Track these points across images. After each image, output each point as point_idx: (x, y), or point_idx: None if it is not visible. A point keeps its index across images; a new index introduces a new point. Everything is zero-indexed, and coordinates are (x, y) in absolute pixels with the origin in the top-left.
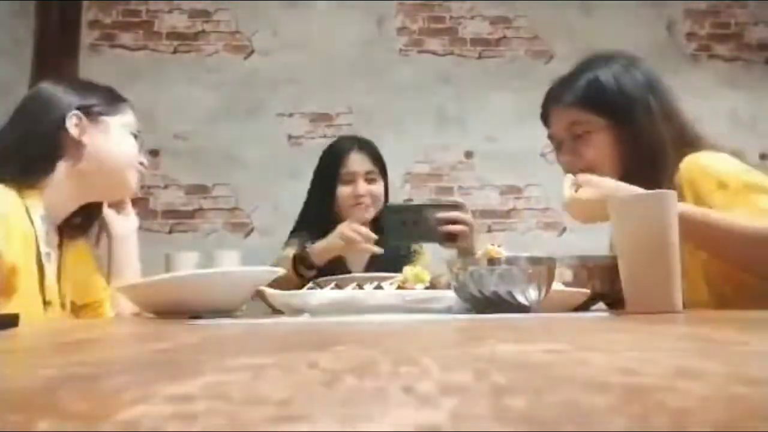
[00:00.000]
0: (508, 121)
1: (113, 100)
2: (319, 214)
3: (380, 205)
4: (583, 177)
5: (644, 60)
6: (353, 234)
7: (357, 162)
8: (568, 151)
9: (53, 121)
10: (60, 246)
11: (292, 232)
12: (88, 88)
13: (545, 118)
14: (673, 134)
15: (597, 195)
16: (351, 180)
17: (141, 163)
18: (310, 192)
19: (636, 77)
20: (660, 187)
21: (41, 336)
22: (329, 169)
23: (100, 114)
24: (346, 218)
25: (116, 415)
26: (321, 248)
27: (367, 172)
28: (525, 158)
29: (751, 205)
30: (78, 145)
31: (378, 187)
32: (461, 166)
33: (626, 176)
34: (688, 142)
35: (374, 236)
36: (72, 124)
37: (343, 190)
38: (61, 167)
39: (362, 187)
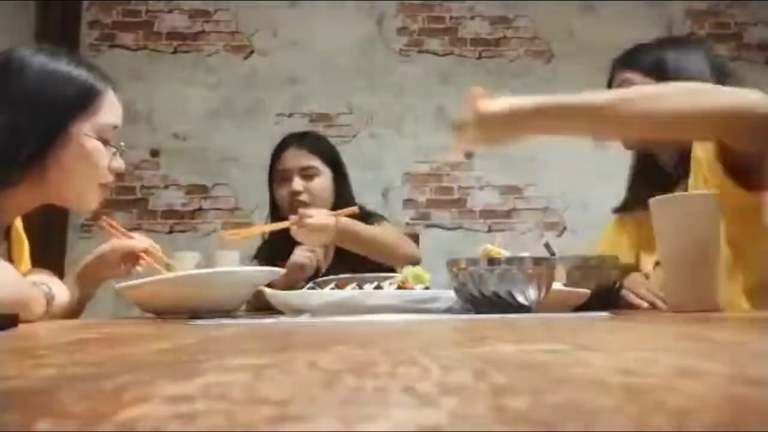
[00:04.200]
0: None
1: (84, 97)
2: (273, 219)
3: (326, 201)
4: (479, 97)
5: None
6: (305, 260)
7: (293, 158)
8: None
9: None
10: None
11: (259, 248)
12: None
13: (609, 82)
14: None
15: (499, 107)
16: (287, 177)
17: (111, 171)
18: (270, 197)
19: (691, 56)
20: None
21: (41, 336)
22: (270, 169)
23: (63, 121)
24: (287, 219)
25: (116, 415)
26: (283, 287)
27: (304, 168)
28: (525, 158)
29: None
30: (37, 156)
31: (319, 182)
32: (461, 166)
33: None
34: None
35: (321, 255)
36: None
37: (279, 190)
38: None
39: (297, 183)
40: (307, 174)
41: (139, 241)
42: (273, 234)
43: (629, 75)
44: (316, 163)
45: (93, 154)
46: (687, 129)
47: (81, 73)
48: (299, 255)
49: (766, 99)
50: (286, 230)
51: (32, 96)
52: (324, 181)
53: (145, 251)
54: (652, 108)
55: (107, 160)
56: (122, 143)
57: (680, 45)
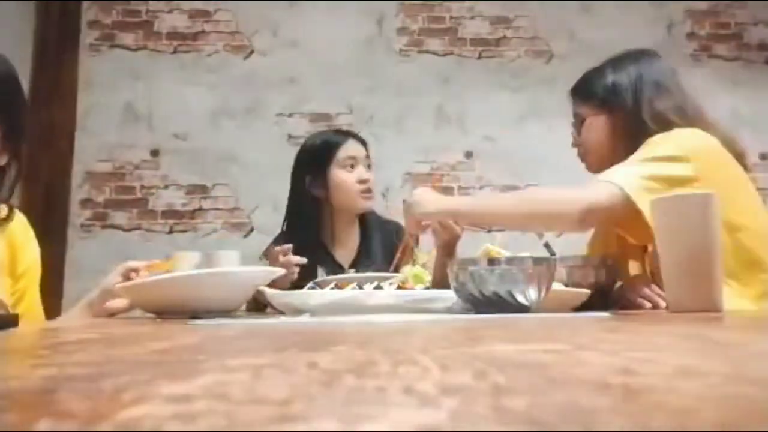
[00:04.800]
0: (508, 121)
1: None
2: (303, 217)
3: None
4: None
5: (652, 53)
6: (284, 263)
7: (357, 149)
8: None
9: None
10: None
11: (276, 238)
12: None
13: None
14: (652, 117)
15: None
16: (352, 164)
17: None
18: (295, 191)
19: (629, 71)
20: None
21: (41, 336)
22: (325, 156)
23: None
24: (342, 210)
25: (116, 415)
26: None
27: (367, 158)
28: (525, 158)
29: (612, 171)
30: None
31: (373, 176)
32: (461, 166)
33: (617, 156)
34: (674, 121)
35: (296, 260)
36: None
37: (347, 176)
38: None
39: (365, 172)
40: (369, 164)
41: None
42: (287, 231)
43: (579, 109)
44: (369, 158)
45: None
46: (522, 225)
47: None
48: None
49: (578, 199)
50: (302, 227)
51: None
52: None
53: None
54: (494, 214)
55: None
56: None
57: (616, 64)
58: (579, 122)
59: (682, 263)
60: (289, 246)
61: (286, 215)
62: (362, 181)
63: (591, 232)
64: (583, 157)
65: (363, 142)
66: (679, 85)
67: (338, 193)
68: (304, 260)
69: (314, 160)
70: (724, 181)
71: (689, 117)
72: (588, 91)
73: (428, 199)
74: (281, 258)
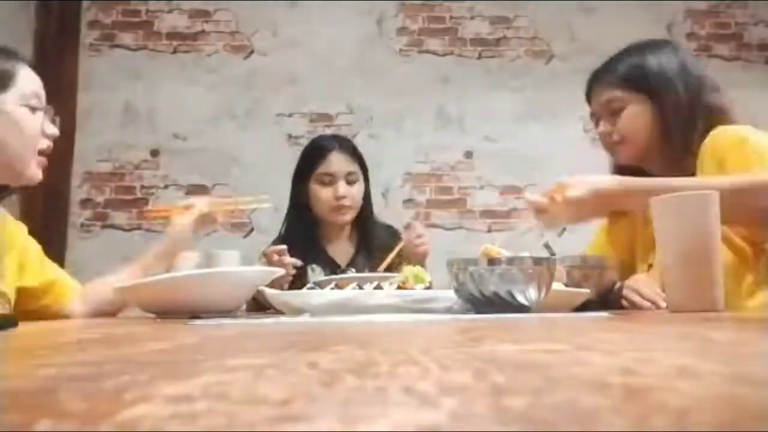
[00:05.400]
0: (508, 121)
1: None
2: (300, 218)
3: (359, 205)
4: (563, 181)
5: (678, 44)
6: (279, 264)
7: (338, 163)
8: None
9: None
10: None
11: (277, 238)
12: None
13: (588, 97)
14: (700, 110)
15: (586, 191)
16: (331, 181)
17: (45, 137)
18: (291, 194)
19: (671, 60)
20: (683, 156)
21: (41, 336)
22: (307, 168)
23: None
24: (325, 221)
25: (116, 415)
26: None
27: (348, 174)
28: (525, 158)
29: None
30: None
31: (359, 189)
32: (461, 166)
33: (654, 146)
34: (715, 117)
35: (289, 261)
36: None
37: (322, 192)
38: None
39: (342, 188)
40: (350, 179)
41: (196, 205)
42: (287, 233)
43: (617, 94)
44: (356, 168)
45: (19, 120)
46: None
47: None
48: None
49: None
50: (301, 229)
51: None
52: (361, 186)
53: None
54: (745, 203)
55: (37, 124)
56: (56, 117)
57: (654, 48)
58: (613, 111)
59: (682, 263)
60: (283, 247)
61: (286, 216)
62: (338, 198)
63: (594, 233)
64: (613, 147)
65: (352, 153)
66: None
67: (315, 206)
68: (299, 262)
69: (298, 170)
70: None
71: (725, 111)
72: (632, 77)
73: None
74: (275, 258)
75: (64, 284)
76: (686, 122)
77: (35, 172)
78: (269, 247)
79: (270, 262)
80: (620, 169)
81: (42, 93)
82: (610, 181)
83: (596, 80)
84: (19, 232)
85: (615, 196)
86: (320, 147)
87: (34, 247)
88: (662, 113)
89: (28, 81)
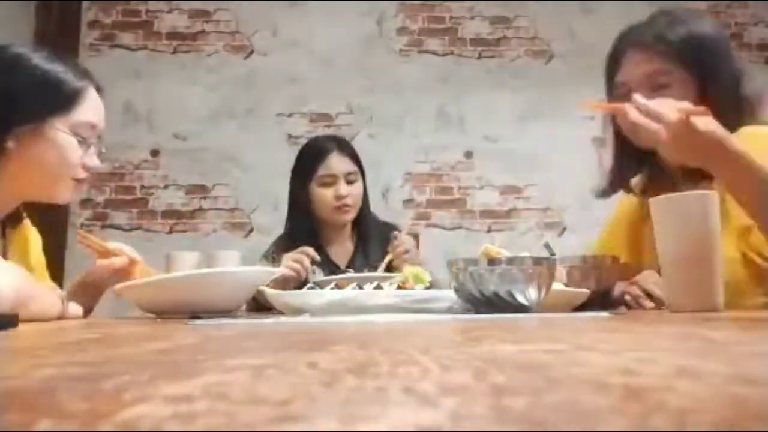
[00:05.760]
0: (508, 121)
1: (60, 93)
2: (301, 218)
3: (359, 207)
4: (697, 109)
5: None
6: (296, 266)
7: (338, 163)
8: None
9: None
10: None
11: (278, 239)
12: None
13: (616, 61)
14: (741, 101)
15: (717, 130)
16: (332, 182)
17: (85, 169)
18: (290, 195)
19: (726, 39)
20: None
21: (41, 336)
22: (308, 170)
23: (37, 117)
24: (326, 222)
25: (116, 415)
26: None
27: (348, 173)
28: (525, 158)
29: None
30: (8, 149)
31: (358, 188)
32: (461, 166)
33: None
34: (748, 113)
35: (308, 265)
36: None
37: (324, 193)
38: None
39: (344, 188)
40: (350, 179)
41: (120, 257)
42: (290, 234)
43: (664, 65)
44: (355, 168)
45: (63, 148)
46: None
47: (60, 70)
48: (286, 267)
49: None
50: (303, 230)
51: (7, 90)
52: (360, 185)
53: (131, 264)
54: None
55: (79, 156)
56: (103, 148)
57: (700, 21)
58: (656, 85)
59: (681, 263)
60: (310, 249)
61: (287, 216)
62: (339, 197)
63: (599, 231)
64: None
65: (350, 153)
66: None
67: (316, 206)
68: (317, 256)
69: (297, 172)
70: None
71: (757, 109)
72: (689, 50)
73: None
74: (303, 259)
75: None
76: (727, 111)
77: (67, 197)
78: (272, 246)
79: (296, 261)
80: (638, 155)
81: (99, 123)
82: (732, 138)
83: (637, 45)
84: (36, 244)
85: (729, 158)
86: (319, 149)
87: (41, 261)
88: (705, 96)
89: (87, 110)
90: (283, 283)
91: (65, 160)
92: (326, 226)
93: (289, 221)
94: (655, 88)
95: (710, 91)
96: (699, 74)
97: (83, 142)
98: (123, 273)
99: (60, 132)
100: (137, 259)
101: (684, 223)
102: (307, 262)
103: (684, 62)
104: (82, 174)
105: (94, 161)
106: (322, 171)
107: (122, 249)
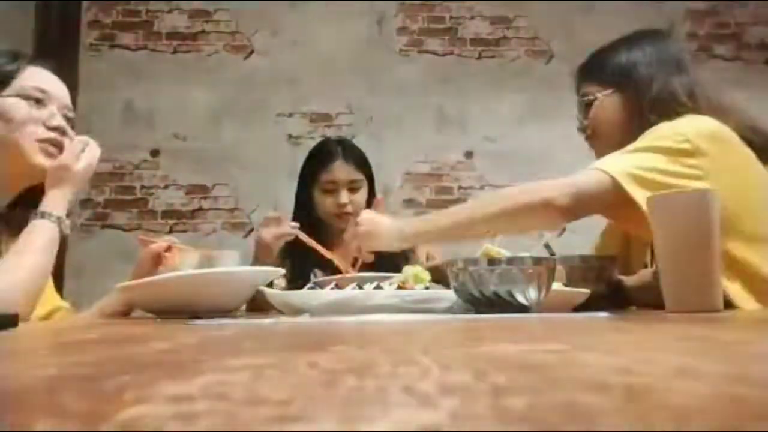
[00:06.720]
0: (508, 121)
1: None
2: (305, 220)
3: (362, 210)
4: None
5: (666, 33)
6: (269, 237)
7: (341, 171)
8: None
9: None
10: None
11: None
12: None
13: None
14: (671, 100)
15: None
16: (333, 189)
17: (49, 128)
18: (296, 196)
19: (645, 49)
20: None
21: (41, 336)
22: (311, 175)
23: None
24: (329, 225)
25: (116, 415)
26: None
27: (351, 182)
28: (525, 158)
29: (605, 158)
30: None
31: (361, 196)
32: (461, 166)
33: (630, 139)
34: (674, 104)
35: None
36: None
37: (326, 199)
38: None
39: (345, 196)
40: (353, 187)
41: (159, 244)
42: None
43: (588, 88)
44: (360, 176)
45: (11, 107)
46: (506, 226)
47: None
48: (264, 234)
49: (562, 190)
50: (307, 232)
51: None
52: (364, 192)
53: (167, 249)
54: (473, 218)
55: (29, 113)
56: (67, 110)
57: (633, 43)
58: (587, 103)
59: (680, 262)
60: (278, 214)
61: (291, 218)
62: (340, 205)
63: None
64: (591, 141)
65: (356, 160)
66: (693, 67)
67: (318, 211)
68: (296, 224)
69: (302, 175)
70: (731, 183)
71: (701, 100)
72: (600, 69)
73: (381, 231)
74: (274, 226)
75: (63, 313)
76: (647, 110)
77: (40, 161)
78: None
79: (267, 226)
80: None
81: (48, 88)
82: (405, 229)
83: (579, 73)
84: None
85: (391, 228)
86: (325, 154)
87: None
88: (626, 104)
89: (30, 78)
90: (264, 251)
91: (15, 116)
92: (329, 230)
93: (293, 221)
94: (586, 107)
95: (631, 97)
96: (614, 88)
97: (37, 103)
98: (160, 259)
99: (4, 98)
100: (174, 241)
101: (683, 221)
102: (285, 224)
103: (595, 80)
104: (45, 133)
105: (57, 120)
106: (324, 177)
107: (171, 240)
